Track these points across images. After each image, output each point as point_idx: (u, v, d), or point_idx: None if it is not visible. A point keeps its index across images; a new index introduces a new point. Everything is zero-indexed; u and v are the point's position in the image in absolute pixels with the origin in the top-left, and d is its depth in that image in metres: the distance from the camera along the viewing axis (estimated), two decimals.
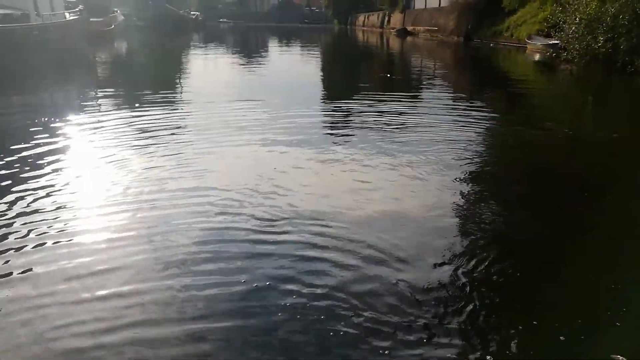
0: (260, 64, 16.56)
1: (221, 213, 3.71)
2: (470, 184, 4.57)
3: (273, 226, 3.50)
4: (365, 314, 2.51)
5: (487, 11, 24.59)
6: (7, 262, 3.00)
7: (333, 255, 3.09)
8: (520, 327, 2.44)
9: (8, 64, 11.09)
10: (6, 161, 4.94)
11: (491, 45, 22.82)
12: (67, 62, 14.03)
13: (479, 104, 9.07)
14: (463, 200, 4.15)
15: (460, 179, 4.63)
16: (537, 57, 17.83)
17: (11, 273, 2.88)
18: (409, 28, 34.81)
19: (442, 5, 30.27)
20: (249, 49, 23.63)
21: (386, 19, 40.63)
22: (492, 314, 2.57)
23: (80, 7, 18.20)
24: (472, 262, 3.06)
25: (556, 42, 16.62)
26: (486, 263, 3.06)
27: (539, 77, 14.38)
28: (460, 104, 9.16)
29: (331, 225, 3.52)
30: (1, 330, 2.39)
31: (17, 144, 5.52)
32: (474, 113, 7.95)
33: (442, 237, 3.40)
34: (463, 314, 2.54)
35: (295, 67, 16.85)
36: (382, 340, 2.33)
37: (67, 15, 16.61)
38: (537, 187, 4.65)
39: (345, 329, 2.40)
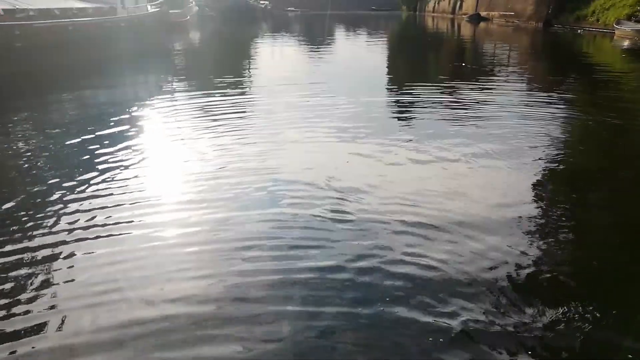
0: (327, 51, 16.63)
1: (290, 197, 3.87)
2: (545, 181, 4.38)
3: (342, 211, 3.59)
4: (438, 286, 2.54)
5: None
6: (93, 225, 3.38)
7: (401, 240, 3.14)
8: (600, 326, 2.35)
9: (100, 54, 12.01)
10: (93, 139, 5.41)
11: (578, 31, 21.26)
12: (151, 52, 14.96)
13: (559, 95, 8.55)
14: (536, 197, 4.00)
15: (536, 175, 4.46)
16: (626, 43, 16.41)
17: (109, 234, 3.29)
18: (483, 13, 33.31)
19: None
20: (316, 36, 23.73)
21: (458, 4, 39.11)
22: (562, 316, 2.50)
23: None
24: (541, 262, 2.98)
25: None
26: (554, 269, 2.97)
27: (629, 65, 13.24)
28: (539, 94, 8.69)
29: (398, 215, 3.54)
30: (114, 274, 2.84)
31: (104, 124, 6.05)
32: (553, 105, 7.54)
33: (513, 233, 3.33)
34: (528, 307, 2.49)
35: (362, 54, 16.72)
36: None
37: (148, 7, 17.59)
38: (617, 190, 4.33)
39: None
